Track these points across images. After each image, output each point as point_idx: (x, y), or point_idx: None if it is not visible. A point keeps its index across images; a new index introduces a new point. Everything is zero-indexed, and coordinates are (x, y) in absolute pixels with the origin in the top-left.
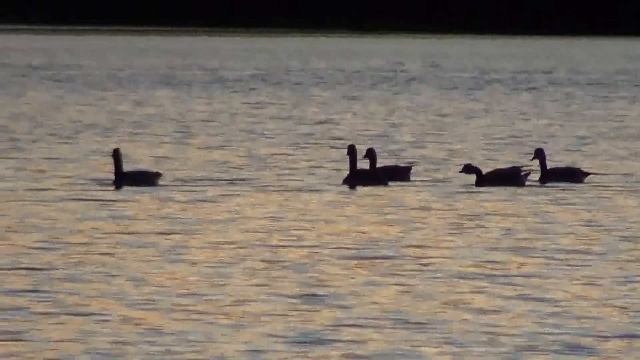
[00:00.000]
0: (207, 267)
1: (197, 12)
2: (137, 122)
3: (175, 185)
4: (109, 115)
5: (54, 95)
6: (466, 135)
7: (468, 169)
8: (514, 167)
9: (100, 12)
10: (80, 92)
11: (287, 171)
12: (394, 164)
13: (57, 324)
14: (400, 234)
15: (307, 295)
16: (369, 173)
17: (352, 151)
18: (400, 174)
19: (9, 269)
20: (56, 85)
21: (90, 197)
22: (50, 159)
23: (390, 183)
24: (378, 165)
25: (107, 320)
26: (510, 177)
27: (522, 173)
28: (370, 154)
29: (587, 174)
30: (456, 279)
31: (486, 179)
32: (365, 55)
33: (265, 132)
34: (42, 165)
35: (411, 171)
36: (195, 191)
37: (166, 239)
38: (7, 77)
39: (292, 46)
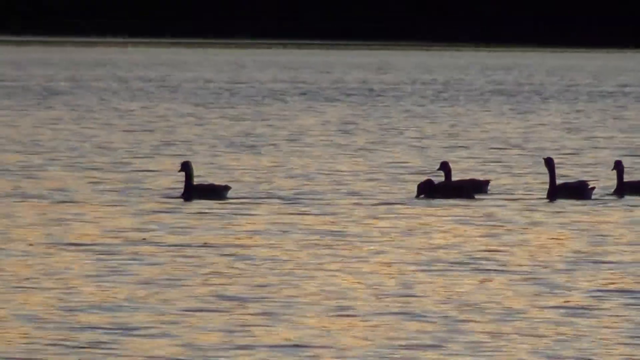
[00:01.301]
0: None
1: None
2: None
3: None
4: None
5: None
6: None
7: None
8: (580, 181)
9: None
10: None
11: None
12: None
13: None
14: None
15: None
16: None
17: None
18: (478, 187)
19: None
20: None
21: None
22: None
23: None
24: (454, 178)
25: None
26: (579, 191)
27: (589, 187)
28: (445, 168)
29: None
30: None
31: (556, 191)
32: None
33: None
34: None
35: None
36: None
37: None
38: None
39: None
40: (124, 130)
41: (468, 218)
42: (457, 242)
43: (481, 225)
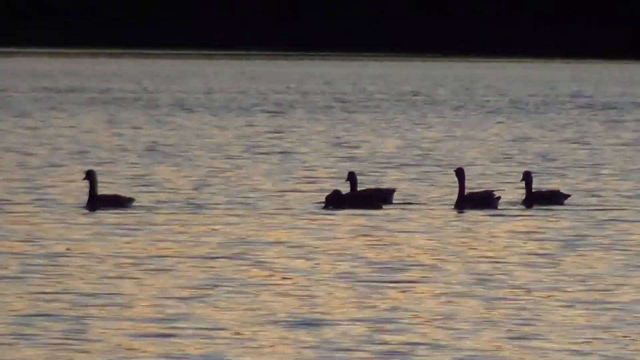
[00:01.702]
0: None
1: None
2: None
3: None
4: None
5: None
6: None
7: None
8: (486, 191)
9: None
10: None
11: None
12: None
13: None
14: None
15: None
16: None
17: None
18: (384, 197)
19: None
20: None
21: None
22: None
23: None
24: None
25: None
26: (485, 201)
27: (495, 197)
28: (352, 178)
29: (567, 196)
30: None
31: (463, 201)
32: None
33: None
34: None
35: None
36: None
37: None
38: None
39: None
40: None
41: (374, 227)
42: (361, 252)
43: (386, 234)
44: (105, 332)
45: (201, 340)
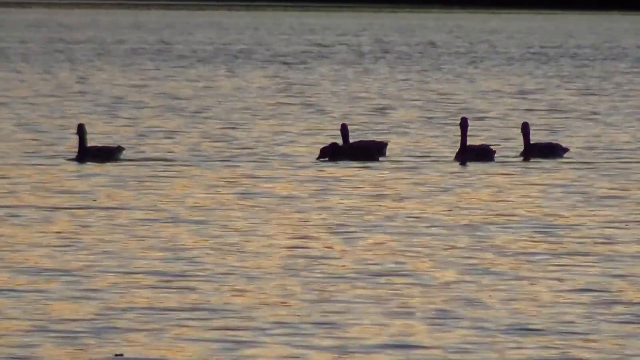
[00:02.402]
0: None
1: None
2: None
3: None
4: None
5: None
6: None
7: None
8: (484, 145)
9: None
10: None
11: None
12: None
13: None
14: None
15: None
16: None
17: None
18: (378, 149)
19: None
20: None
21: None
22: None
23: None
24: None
25: None
26: (483, 153)
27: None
28: (343, 130)
29: (566, 149)
30: None
31: (464, 152)
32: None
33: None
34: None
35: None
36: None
37: None
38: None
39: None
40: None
41: (371, 179)
42: (362, 205)
43: (388, 187)
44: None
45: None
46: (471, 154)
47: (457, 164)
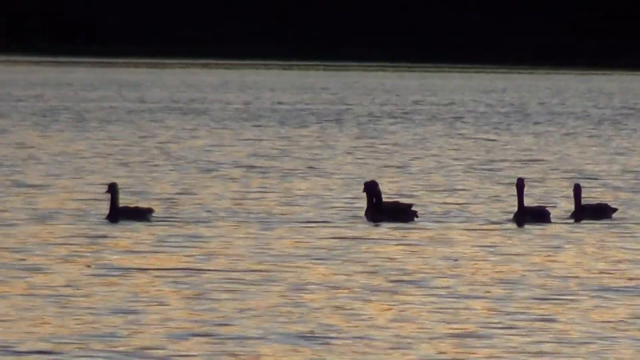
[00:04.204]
0: None
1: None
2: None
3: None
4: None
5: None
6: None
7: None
8: (540, 206)
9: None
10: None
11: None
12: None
13: None
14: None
15: None
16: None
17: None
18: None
19: None
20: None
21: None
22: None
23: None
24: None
25: None
26: (540, 215)
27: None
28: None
29: (615, 209)
30: None
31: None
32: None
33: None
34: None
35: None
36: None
37: None
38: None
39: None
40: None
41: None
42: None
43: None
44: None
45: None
46: (528, 215)
47: (515, 225)
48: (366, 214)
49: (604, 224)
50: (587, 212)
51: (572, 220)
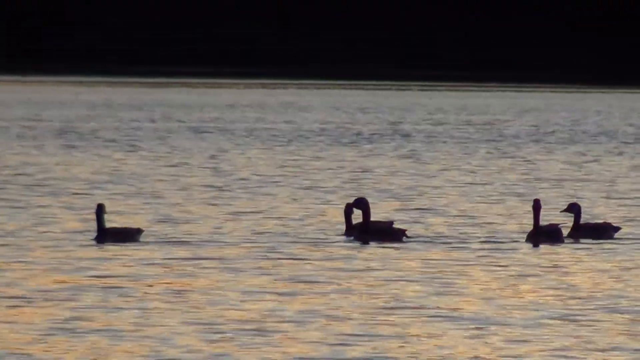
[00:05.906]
0: None
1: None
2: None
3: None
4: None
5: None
6: None
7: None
8: (552, 224)
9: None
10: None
11: None
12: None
13: None
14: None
15: None
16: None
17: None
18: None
19: None
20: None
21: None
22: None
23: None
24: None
25: None
26: (554, 235)
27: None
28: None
29: (617, 228)
30: None
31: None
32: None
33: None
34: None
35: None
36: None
37: None
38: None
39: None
40: None
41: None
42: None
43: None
44: None
45: None
46: (543, 235)
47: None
48: (347, 233)
49: (604, 243)
50: (585, 231)
51: (570, 240)
